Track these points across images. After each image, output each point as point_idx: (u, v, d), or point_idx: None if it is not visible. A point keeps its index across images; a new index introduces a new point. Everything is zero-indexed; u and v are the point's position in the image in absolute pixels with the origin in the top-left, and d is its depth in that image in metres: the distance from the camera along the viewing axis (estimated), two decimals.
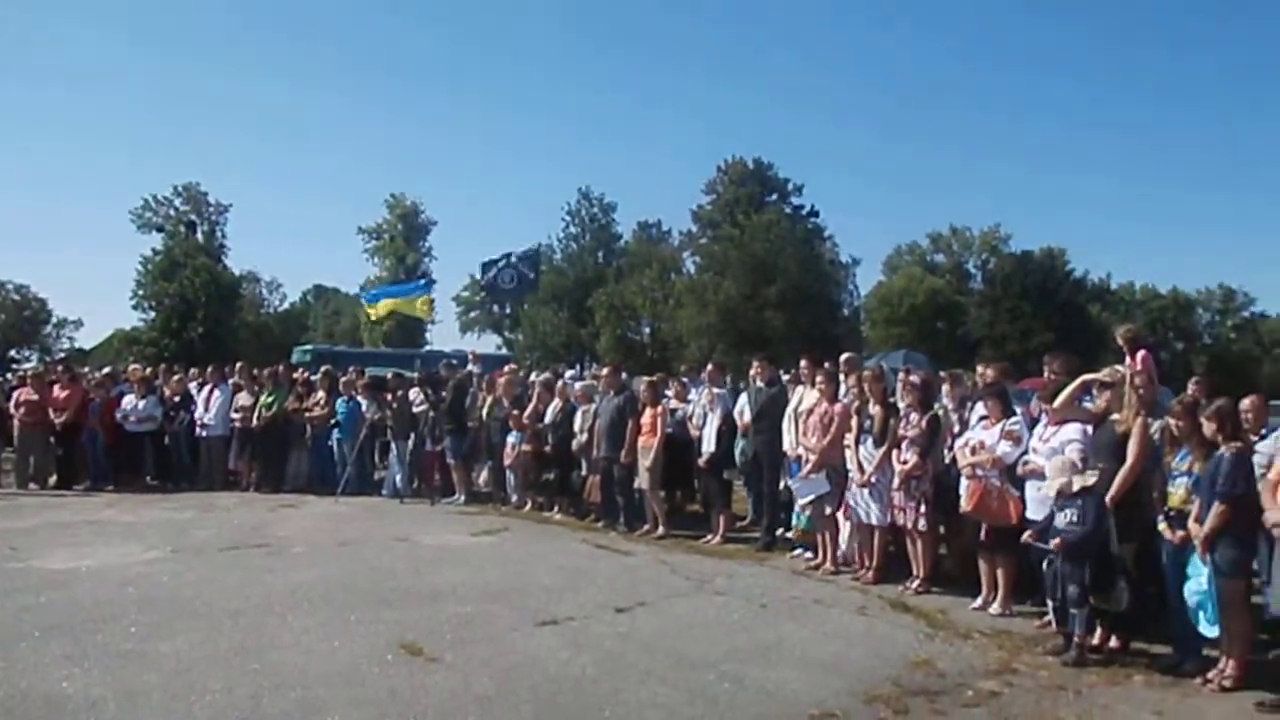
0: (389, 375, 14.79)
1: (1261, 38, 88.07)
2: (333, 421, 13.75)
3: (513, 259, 15.68)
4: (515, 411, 12.19)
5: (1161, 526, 5.93)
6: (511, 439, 12.21)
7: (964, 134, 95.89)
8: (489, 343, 62.69)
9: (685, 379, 13.56)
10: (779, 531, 9.74)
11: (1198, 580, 5.54)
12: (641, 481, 10.49)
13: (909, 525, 7.94)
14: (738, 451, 10.51)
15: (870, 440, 8.32)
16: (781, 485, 9.58)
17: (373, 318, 28.31)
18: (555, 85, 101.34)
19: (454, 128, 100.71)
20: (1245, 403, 6.37)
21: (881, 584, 8.06)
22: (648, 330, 56.01)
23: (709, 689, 5.44)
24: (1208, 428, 5.69)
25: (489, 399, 12.88)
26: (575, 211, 62.01)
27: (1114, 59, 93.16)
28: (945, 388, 8.82)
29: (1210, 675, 5.59)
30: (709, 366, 11.73)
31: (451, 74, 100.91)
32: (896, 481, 7.99)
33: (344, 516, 11.61)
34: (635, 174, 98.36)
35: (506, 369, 14.16)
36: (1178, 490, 5.84)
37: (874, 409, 8.40)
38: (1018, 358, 38.42)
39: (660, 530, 10.39)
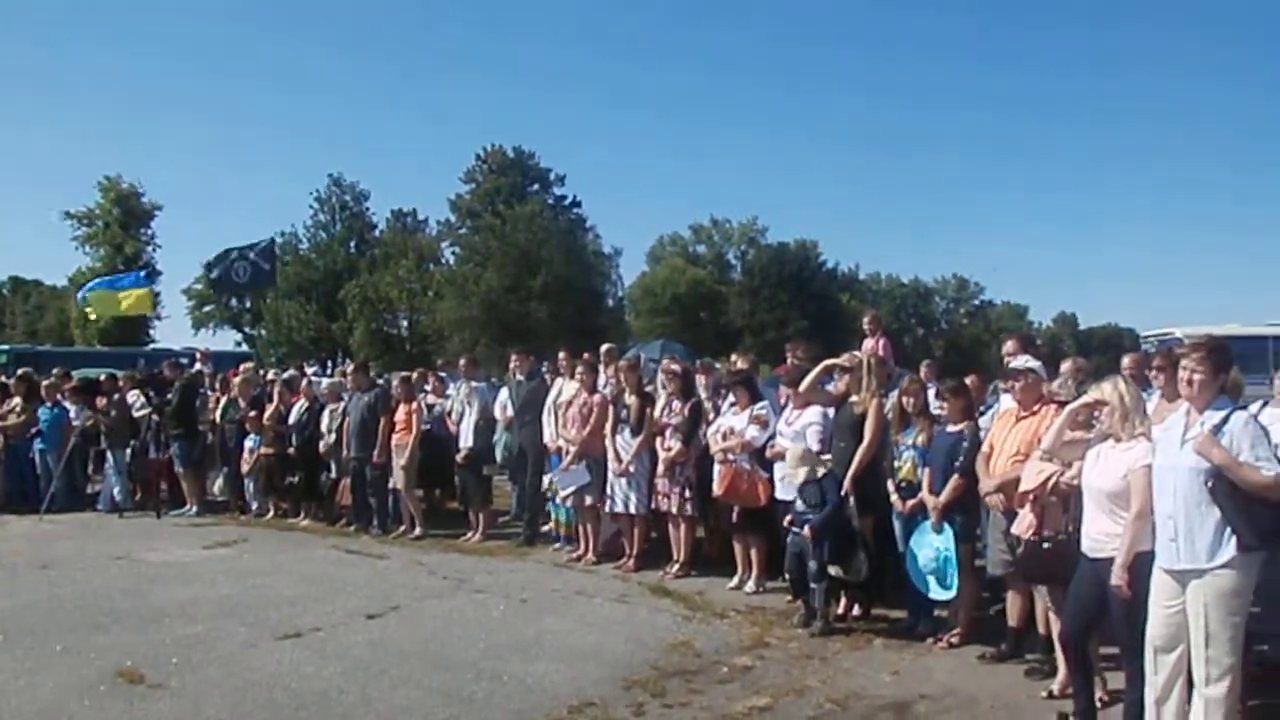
0: (101, 377, 13.28)
1: (1003, 39, 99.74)
2: (34, 431, 12.17)
3: (247, 252, 14.45)
4: (253, 413, 11.31)
5: (893, 498, 6.36)
6: (249, 443, 11.32)
7: (724, 125, 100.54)
8: (227, 339, 58.03)
9: (443, 373, 13.17)
10: (544, 527, 9.63)
11: (930, 548, 5.97)
12: (396, 481, 10.04)
13: (672, 510, 8.06)
14: (500, 446, 10.31)
15: (627, 430, 8.39)
16: (545, 479, 9.47)
17: (93, 317, 25.32)
18: (305, 66, 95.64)
19: (182, 104, 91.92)
20: (966, 381, 6.98)
21: (642, 571, 8.15)
22: (405, 323, 54.24)
23: (465, 689, 5.27)
24: (944, 406, 6.17)
25: (223, 400, 11.89)
26: (325, 199, 58.56)
27: (861, 67, 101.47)
28: (701, 378, 9.06)
29: (941, 635, 6.08)
30: (462, 360, 11.42)
31: (179, 45, 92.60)
32: (661, 468, 8.09)
33: (50, 536, 10.29)
34: (388, 161, 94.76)
35: (243, 367, 13.13)
36: (905, 464, 6.29)
37: (630, 398, 8.48)
38: (776, 345, 40.82)
39: (417, 531, 9.99)
